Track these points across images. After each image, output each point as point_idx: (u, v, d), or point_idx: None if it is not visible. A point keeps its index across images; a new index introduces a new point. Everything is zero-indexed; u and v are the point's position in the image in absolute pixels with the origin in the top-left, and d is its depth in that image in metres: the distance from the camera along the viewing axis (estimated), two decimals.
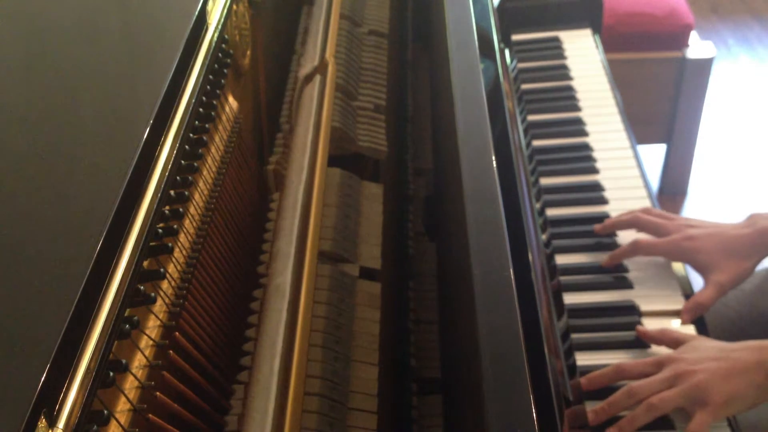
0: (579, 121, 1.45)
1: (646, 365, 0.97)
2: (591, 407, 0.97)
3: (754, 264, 1.10)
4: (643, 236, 1.17)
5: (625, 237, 1.21)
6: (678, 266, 1.16)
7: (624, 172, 1.34)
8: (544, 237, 1.17)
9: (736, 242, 1.10)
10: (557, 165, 1.35)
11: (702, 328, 1.08)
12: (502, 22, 1.36)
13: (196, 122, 0.80)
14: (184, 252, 0.75)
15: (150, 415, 0.62)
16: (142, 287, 0.63)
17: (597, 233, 1.20)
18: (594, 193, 1.29)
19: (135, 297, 0.62)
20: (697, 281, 1.15)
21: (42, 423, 0.49)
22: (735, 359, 0.93)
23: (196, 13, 0.84)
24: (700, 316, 1.09)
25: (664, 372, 0.94)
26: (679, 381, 0.92)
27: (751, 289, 1.23)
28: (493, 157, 0.88)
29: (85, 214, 0.61)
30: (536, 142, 1.40)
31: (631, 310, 1.11)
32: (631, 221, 1.17)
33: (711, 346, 0.97)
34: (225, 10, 0.91)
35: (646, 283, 1.14)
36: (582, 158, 1.37)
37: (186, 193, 0.75)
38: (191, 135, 0.79)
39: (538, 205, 1.23)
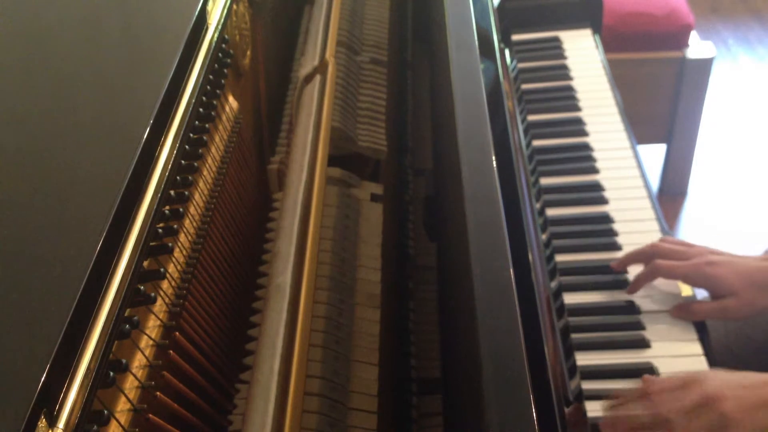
0: (579, 121, 1.44)
1: (670, 387, 0.91)
2: (590, 407, 0.97)
3: None
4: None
5: (626, 239, 1.21)
6: None
7: (624, 172, 1.34)
8: (544, 237, 1.17)
9: (757, 273, 1.07)
10: (557, 165, 1.35)
11: (704, 333, 1.08)
12: (502, 22, 1.36)
13: (196, 122, 0.80)
14: (184, 252, 0.75)
15: (150, 415, 0.62)
16: (142, 287, 0.63)
17: (614, 269, 1.15)
18: (594, 193, 1.29)
19: (135, 297, 0.62)
20: None
21: (42, 423, 0.49)
22: (766, 390, 0.88)
23: (196, 13, 0.84)
24: (687, 319, 1.08)
25: (690, 396, 0.88)
26: (704, 408, 0.87)
27: None
28: (493, 157, 0.88)
29: (85, 214, 0.61)
30: (536, 142, 1.40)
31: (631, 309, 1.11)
32: (650, 251, 1.13)
33: (737, 375, 0.92)
34: (225, 10, 0.91)
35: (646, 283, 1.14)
36: (582, 158, 1.37)
37: (186, 193, 0.75)
38: (191, 135, 0.79)
39: (538, 205, 1.23)
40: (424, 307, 0.94)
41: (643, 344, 1.06)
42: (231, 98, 0.94)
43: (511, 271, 0.75)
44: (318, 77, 1.02)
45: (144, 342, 0.66)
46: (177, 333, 0.70)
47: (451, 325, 0.86)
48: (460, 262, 0.81)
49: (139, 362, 0.64)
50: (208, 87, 0.85)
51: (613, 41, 2.17)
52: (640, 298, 1.12)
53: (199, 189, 0.80)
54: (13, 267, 0.57)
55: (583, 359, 1.04)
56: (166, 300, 0.70)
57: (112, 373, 0.56)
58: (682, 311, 1.09)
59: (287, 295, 0.74)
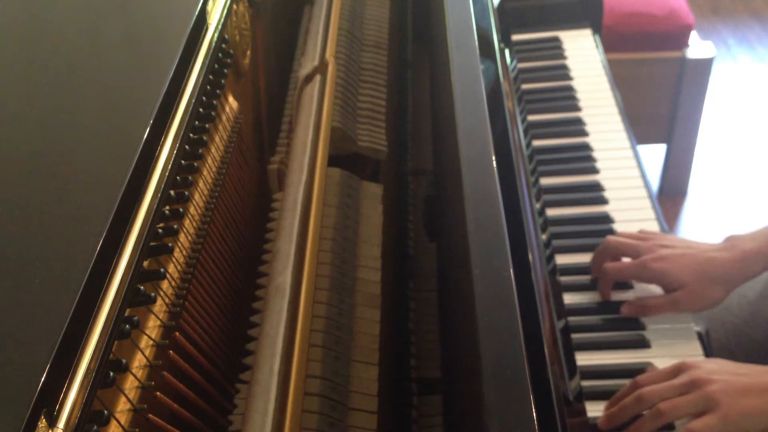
0: (579, 121, 1.44)
1: (661, 375, 0.93)
2: (590, 407, 0.97)
3: (727, 290, 1.05)
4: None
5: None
6: None
7: (624, 172, 1.34)
8: (544, 237, 1.17)
9: (709, 264, 1.05)
10: (557, 165, 1.35)
11: (704, 333, 1.08)
12: (502, 22, 1.36)
13: (196, 122, 0.80)
14: (184, 252, 0.75)
15: (150, 415, 0.62)
16: (142, 287, 0.63)
17: (593, 278, 1.14)
18: (594, 193, 1.29)
19: (135, 297, 0.62)
20: None
21: (42, 423, 0.49)
22: (757, 378, 0.89)
23: (196, 13, 0.84)
24: (638, 316, 1.08)
25: (679, 378, 0.91)
26: (692, 388, 0.89)
27: (754, 296, 1.21)
28: (493, 157, 0.88)
29: (85, 214, 0.61)
30: (536, 142, 1.40)
31: None
32: (602, 250, 1.12)
33: (735, 364, 0.93)
34: (225, 10, 0.91)
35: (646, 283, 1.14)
36: (582, 158, 1.37)
37: (186, 193, 0.75)
38: (191, 135, 0.79)
39: (538, 205, 1.23)
40: (424, 307, 0.94)
41: (643, 344, 1.06)
42: (231, 98, 0.94)
43: (511, 271, 0.75)
44: (318, 77, 1.02)
45: (144, 342, 0.66)
46: (177, 333, 0.70)
47: (451, 325, 0.86)
48: (460, 262, 0.81)
49: (139, 362, 0.64)
50: (208, 87, 0.85)
51: (613, 41, 2.17)
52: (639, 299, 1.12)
53: (199, 189, 0.80)
54: (13, 266, 0.57)
55: (583, 359, 1.04)
56: (166, 300, 0.70)
57: (112, 373, 0.56)
58: (633, 308, 1.08)
59: (287, 295, 0.74)
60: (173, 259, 0.72)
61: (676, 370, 0.93)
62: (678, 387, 0.90)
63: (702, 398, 0.88)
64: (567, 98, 1.50)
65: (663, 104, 2.32)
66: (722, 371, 0.90)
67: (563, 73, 1.57)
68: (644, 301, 1.08)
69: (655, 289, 1.11)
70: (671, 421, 0.90)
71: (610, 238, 1.12)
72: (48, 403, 0.49)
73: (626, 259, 1.12)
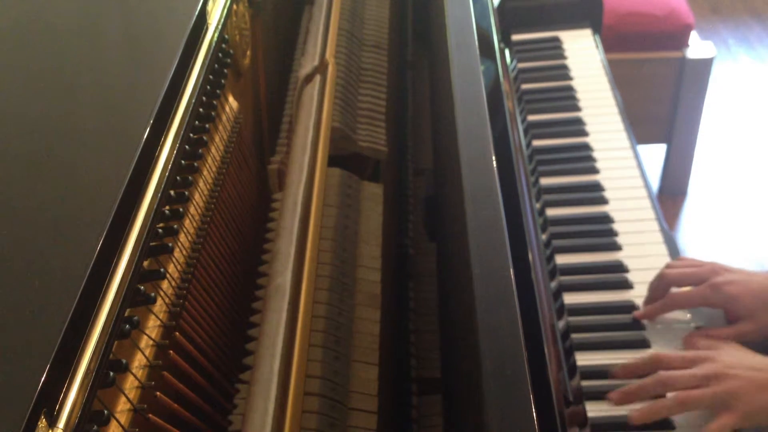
0: (579, 121, 1.45)
1: (683, 360, 0.96)
2: (591, 407, 0.97)
3: None
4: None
5: (626, 239, 1.21)
6: None
7: (624, 172, 1.34)
8: (544, 237, 1.17)
9: None
10: (557, 165, 1.35)
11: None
12: (502, 22, 1.36)
13: (196, 122, 0.80)
14: (184, 252, 0.75)
15: (150, 415, 0.62)
16: (142, 287, 0.63)
17: (638, 318, 1.10)
18: (594, 193, 1.29)
19: (135, 297, 0.62)
20: None
21: (42, 423, 0.49)
22: None
23: (196, 13, 0.84)
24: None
25: (699, 368, 0.93)
26: (712, 382, 0.91)
27: None
28: (493, 157, 0.88)
29: (86, 214, 0.61)
30: (536, 142, 1.40)
31: (630, 309, 1.11)
32: (662, 284, 1.09)
33: (751, 356, 0.95)
34: (225, 10, 0.91)
35: (646, 283, 1.14)
36: (582, 158, 1.37)
37: (186, 193, 0.75)
38: (191, 135, 0.79)
39: (538, 205, 1.23)
40: (424, 307, 0.94)
41: (643, 344, 1.06)
42: (231, 98, 0.94)
43: (511, 271, 0.75)
44: (318, 77, 1.02)
45: (144, 342, 0.66)
46: (177, 333, 0.70)
47: (451, 325, 0.86)
48: (460, 262, 0.81)
49: (139, 362, 0.64)
50: (208, 87, 0.85)
51: (613, 41, 2.17)
52: (640, 298, 1.12)
53: (199, 189, 0.80)
54: (13, 267, 0.57)
55: (583, 359, 1.04)
56: (166, 300, 0.70)
57: (112, 373, 0.56)
58: (703, 341, 1.05)
59: (287, 295, 0.74)
60: (173, 259, 0.72)
61: (696, 359, 0.95)
62: (699, 378, 0.93)
63: (722, 394, 0.90)
64: (567, 98, 1.50)
65: (663, 104, 2.32)
66: (740, 365, 0.93)
67: (563, 73, 1.57)
68: (713, 333, 1.06)
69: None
70: (689, 410, 0.93)
71: (666, 271, 1.10)
72: (48, 403, 0.49)
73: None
